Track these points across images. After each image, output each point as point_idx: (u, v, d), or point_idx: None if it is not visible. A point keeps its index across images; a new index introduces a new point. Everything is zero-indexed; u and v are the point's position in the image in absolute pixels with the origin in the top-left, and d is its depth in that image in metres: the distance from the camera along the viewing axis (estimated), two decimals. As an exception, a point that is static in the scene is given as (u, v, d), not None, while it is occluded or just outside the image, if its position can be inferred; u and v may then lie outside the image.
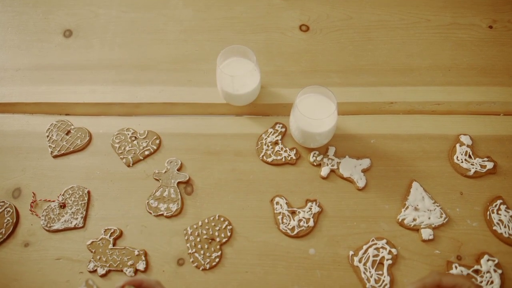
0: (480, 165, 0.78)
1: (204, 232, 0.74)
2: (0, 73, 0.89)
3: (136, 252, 0.72)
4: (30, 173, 0.80)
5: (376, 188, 0.77)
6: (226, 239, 0.73)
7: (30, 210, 0.76)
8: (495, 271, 0.70)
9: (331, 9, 0.95)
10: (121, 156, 0.81)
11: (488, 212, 0.75)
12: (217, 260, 0.72)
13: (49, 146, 0.82)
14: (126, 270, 0.71)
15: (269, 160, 0.79)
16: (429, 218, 0.74)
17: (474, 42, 0.91)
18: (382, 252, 0.72)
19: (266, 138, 0.81)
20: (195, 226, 0.74)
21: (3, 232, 0.74)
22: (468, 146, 0.80)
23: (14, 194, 0.78)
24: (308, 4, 0.95)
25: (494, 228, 0.73)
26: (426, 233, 0.73)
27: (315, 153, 0.80)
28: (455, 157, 0.79)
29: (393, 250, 0.72)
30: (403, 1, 0.95)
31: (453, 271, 0.70)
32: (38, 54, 0.91)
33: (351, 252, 0.72)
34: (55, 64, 0.90)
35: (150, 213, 0.76)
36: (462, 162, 0.79)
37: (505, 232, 0.73)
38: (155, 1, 0.97)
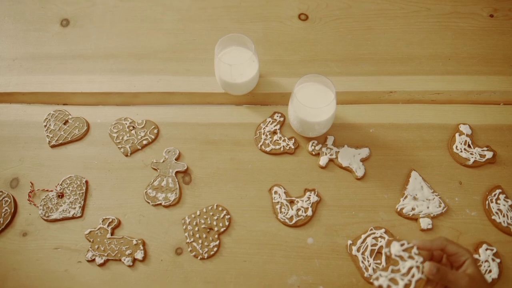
0: (479, 154, 0.78)
1: (202, 221, 0.74)
2: (-3, 62, 0.89)
3: (134, 242, 0.72)
4: (27, 163, 0.80)
5: (375, 177, 0.77)
6: (224, 228, 0.73)
7: (28, 200, 0.76)
8: (493, 260, 0.70)
9: (331, -2, 0.94)
10: (119, 146, 0.80)
11: (487, 202, 0.75)
12: (215, 249, 0.72)
13: (47, 136, 0.81)
14: (124, 259, 0.71)
15: (268, 149, 0.79)
16: (428, 207, 0.74)
17: (475, 31, 0.90)
18: (381, 242, 0.72)
19: (264, 128, 0.81)
20: (193, 216, 0.74)
21: (1, 222, 0.74)
22: (467, 135, 0.80)
23: (12, 184, 0.78)
24: (307, -7, 0.95)
25: (493, 217, 0.73)
26: (425, 223, 0.73)
27: (313, 143, 0.79)
28: (454, 147, 0.79)
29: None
30: (403, -11, 0.95)
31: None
32: (35, 44, 0.91)
33: (349, 241, 0.72)
34: (53, 53, 0.89)
35: (148, 202, 0.76)
36: (461, 151, 0.78)
37: (504, 221, 0.73)
38: (152, -10, 0.96)
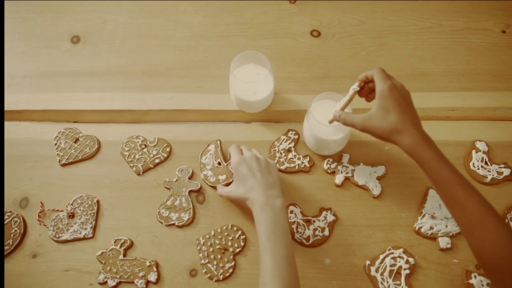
0: (497, 171, 0.77)
1: (217, 242, 0.72)
2: (7, 80, 0.88)
3: (148, 263, 0.70)
4: (37, 182, 0.78)
5: (391, 195, 0.76)
6: (240, 249, 0.72)
7: (38, 220, 0.75)
8: (516, 281, 0.68)
9: (343, 15, 0.94)
10: (131, 165, 0.79)
11: (506, 220, 0.73)
12: (230, 270, 0.70)
13: (57, 154, 0.80)
14: (138, 282, 0.69)
15: (282, 168, 0.78)
16: (447, 226, 0.73)
17: (488, 47, 0.90)
18: (399, 262, 0.70)
19: (279, 145, 0.80)
20: (207, 236, 0.72)
21: (11, 243, 0.73)
22: (484, 152, 0.79)
23: (21, 204, 0.76)
24: (319, 10, 0.94)
25: (514, 236, 0.72)
26: (444, 242, 0.71)
27: (329, 161, 0.78)
28: (471, 164, 0.78)
29: (411, 260, 0.70)
30: (415, 6, 0.94)
31: (472, 281, 0.68)
32: (45, 61, 0.90)
33: (367, 262, 0.70)
34: (63, 70, 0.89)
35: (161, 222, 0.74)
36: (478, 168, 0.77)
37: (525, 240, 0.71)
38: (163, 7, 0.95)
